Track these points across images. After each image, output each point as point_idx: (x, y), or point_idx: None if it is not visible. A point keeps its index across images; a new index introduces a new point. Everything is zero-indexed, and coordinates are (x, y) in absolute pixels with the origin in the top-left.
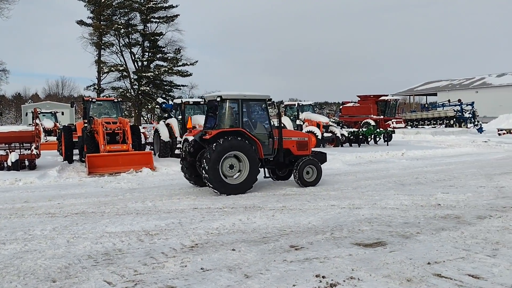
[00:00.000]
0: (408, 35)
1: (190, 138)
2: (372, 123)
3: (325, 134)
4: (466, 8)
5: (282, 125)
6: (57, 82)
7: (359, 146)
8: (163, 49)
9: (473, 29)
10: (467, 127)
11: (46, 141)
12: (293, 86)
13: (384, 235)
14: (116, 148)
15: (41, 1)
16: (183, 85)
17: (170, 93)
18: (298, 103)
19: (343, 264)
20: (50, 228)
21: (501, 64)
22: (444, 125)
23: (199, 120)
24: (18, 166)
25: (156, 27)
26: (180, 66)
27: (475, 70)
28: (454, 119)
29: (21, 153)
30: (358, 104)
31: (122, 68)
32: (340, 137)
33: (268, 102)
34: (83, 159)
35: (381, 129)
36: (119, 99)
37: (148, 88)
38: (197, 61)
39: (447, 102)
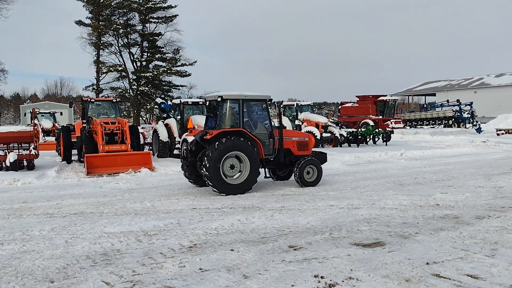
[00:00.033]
0: (407, 35)
1: (190, 138)
2: (371, 123)
3: (324, 134)
4: (465, 8)
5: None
6: (56, 82)
7: (358, 146)
8: (162, 49)
9: (472, 30)
10: (465, 127)
11: (44, 142)
12: (292, 86)
13: (382, 235)
14: (114, 148)
15: (40, 1)
16: (182, 85)
17: (169, 93)
18: (297, 103)
19: (342, 264)
20: (48, 229)
21: (500, 65)
22: (442, 125)
23: (198, 120)
24: (16, 166)
25: (155, 27)
26: (179, 66)
27: (473, 70)
28: (453, 119)
29: (20, 153)
30: (357, 104)
31: (121, 68)
32: (339, 137)
33: (269, 102)
34: (82, 159)
35: (380, 129)
36: (117, 99)
37: (147, 88)
38: (196, 61)
39: (446, 102)
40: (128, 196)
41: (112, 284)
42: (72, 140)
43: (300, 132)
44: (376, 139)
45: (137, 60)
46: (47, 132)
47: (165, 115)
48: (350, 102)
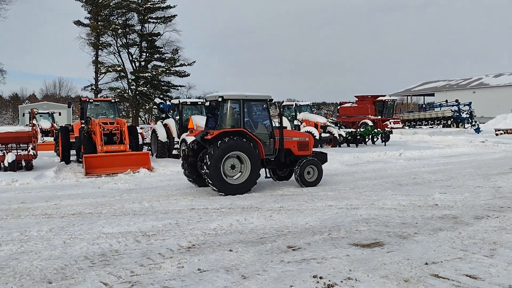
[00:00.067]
0: (406, 36)
1: (189, 138)
2: (370, 123)
3: (323, 135)
4: (463, 8)
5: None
6: (55, 83)
7: (356, 147)
8: (161, 49)
9: (471, 30)
10: (464, 127)
11: (43, 142)
12: (291, 86)
13: (381, 236)
14: (113, 148)
15: (38, 1)
16: (180, 86)
17: (167, 94)
18: (296, 104)
19: (341, 264)
20: (46, 229)
21: (498, 65)
22: (441, 125)
23: (197, 121)
24: (15, 166)
25: (154, 28)
26: (177, 66)
27: (472, 71)
28: (452, 120)
29: (18, 153)
30: (356, 105)
31: (119, 68)
32: (338, 138)
33: (269, 102)
34: (80, 159)
35: (378, 129)
36: (116, 100)
37: (145, 88)
38: (194, 62)
39: (445, 102)
40: (126, 197)
41: (110, 284)
42: (70, 141)
43: (300, 132)
44: (375, 139)
45: (135, 60)
46: (45, 133)
47: (163, 115)
48: (349, 102)
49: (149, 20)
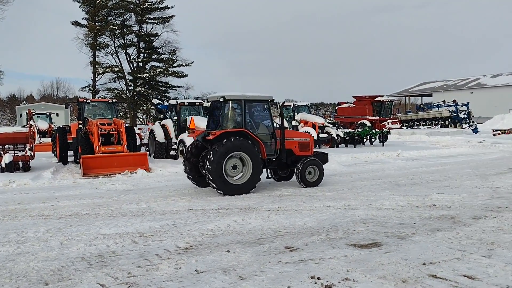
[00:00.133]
0: (404, 36)
1: (187, 138)
2: (368, 123)
3: (321, 135)
4: (461, 9)
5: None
6: (52, 83)
7: (354, 147)
8: (159, 50)
9: (469, 30)
10: (462, 128)
11: (40, 143)
12: (289, 87)
13: (379, 236)
14: (111, 149)
15: (36, 2)
16: (178, 86)
17: (165, 94)
18: (293, 104)
19: (338, 265)
20: (43, 230)
21: (496, 65)
22: (439, 126)
23: (196, 122)
24: (12, 167)
25: (152, 28)
26: (175, 67)
27: (470, 71)
28: (449, 120)
29: (15, 154)
30: (354, 105)
31: (117, 69)
32: (336, 138)
33: (270, 103)
34: (78, 160)
35: (376, 129)
36: (114, 100)
37: (143, 89)
38: (192, 62)
39: (442, 102)
40: (124, 197)
41: (107, 286)
42: (68, 141)
43: (302, 132)
44: (373, 139)
45: (133, 61)
46: (43, 133)
47: (161, 116)
48: (347, 103)
49: (147, 20)
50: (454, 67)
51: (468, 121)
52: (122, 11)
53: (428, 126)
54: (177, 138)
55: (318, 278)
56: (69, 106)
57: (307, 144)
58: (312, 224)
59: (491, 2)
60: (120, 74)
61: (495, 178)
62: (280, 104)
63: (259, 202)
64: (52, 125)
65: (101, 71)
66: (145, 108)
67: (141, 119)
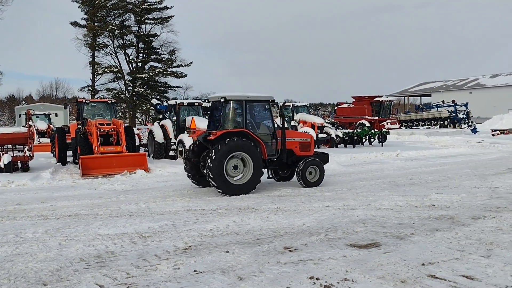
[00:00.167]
0: (403, 36)
1: (186, 139)
2: (367, 124)
3: (320, 135)
4: (460, 9)
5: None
6: (51, 84)
7: (353, 147)
8: (158, 50)
9: (467, 30)
10: (461, 128)
11: (39, 143)
12: (289, 87)
13: (378, 236)
14: (109, 149)
15: (35, 2)
16: (178, 87)
17: (164, 95)
18: (293, 104)
19: (337, 265)
20: (42, 231)
21: (495, 65)
22: (438, 126)
23: (195, 122)
24: (10, 168)
25: (151, 28)
26: (174, 67)
27: (469, 71)
28: (448, 120)
29: (14, 155)
30: (353, 105)
31: (116, 69)
32: (335, 138)
33: (271, 103)
34: (77, 160)
35: (375, 130)
36: (113, 101)
37: (142, 89)
38: (191, 62)
39: (441, 103)
40: (123, 198)
41: (106, 286)
42: (67, 142)
43: (302, 132)
44: (372, 139)
45: (132, 61)
46: (42, 134)
47: (160, 116)
48: (346, 103)
49: (146, 21)
50: (453, 67)
51: (467, 121)
52: (121, 12)
53: (427, 126)
54: (176, 139)
55: (317, 279)
56: (68, 107)
57: (307, 144)
58: (311, 225)
59: (491, 2)
60: (119, 75)
61: (494, 178)
62: (281, 105)
63: (258, 202)
64: (51, 126)
65: (100, 72)
66: (144, 108)
67: (140, 120)
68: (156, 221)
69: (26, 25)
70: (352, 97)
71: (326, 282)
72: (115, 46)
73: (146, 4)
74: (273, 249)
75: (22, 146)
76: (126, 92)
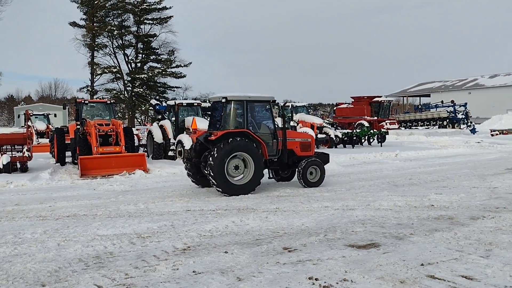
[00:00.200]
0: (402, 37)
1: (185, 139)
2: (366, 124)
3: (319, 135)
4: (459, 9)
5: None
6: (50, 84)
7: (353, 147)
8: (157, 50)
9: (466, 31)
10: (460, 128)
11: (38, 143)
12: (288, 87)
13: (377, 237)
14: (109, 150)
15: (34, 2)
16: (177, 87)
17: (163, 95)
18: (292, 104)
19: (336, 266)
20: (40, 231)
21: (494, 66)
22: (437, 126)
23: (192, 122)
24: (9, 168)
25: (150, 29)
26: (173, 67)
27: (468, 71)
28: (447, 120)
29: (13, 155)
30: (352, 106)
31: (115, 69)
32: (334, 138)
33: (272, 103)
34: (76, 161)
35: (374, 130)
36: (112, 101)
37: (141, 89)
38: (191, 63)
39: (440, 103)
40: (122, 198)
41: (105, 287)
42: (66, 142)
43: (303, 133)
44: (371, 140)
45: (131, 61)
46: (41, 134)
47: (159, 116)
48: (345, 103)
49: (145, 21)
50: (452, 68)
51: (466, 121)
52: (120, 12)
53: (426, 127)
54: (175, 139)
55: (316, 279)
56: (67, 107)
57: (308, 145)
58: (310, 225)
59: (490, 2)
60: (118, 75)
61: (493, 179)
62: (282, 105)
63: (257, 202)
64: (50, 126)
65: (99, 72)
66: (143, 108)
67: (139, 120)
68: (155, 222)
69: (25, 25)
70: (351, 97)
71: (325, 282)
72: (114, 46)
73: (145, 4)
74: (272, 249)
75: (21, 147)
76: (125, 92)
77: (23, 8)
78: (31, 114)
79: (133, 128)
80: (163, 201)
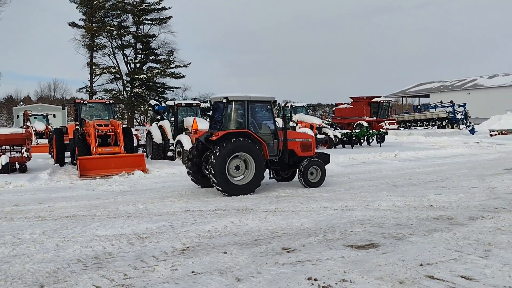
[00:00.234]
0: (401, 37)
1: (184, 140)
2: (365, 124)
3: (318, 136)
4: (459, 9)
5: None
6: (49, 84)
7: (352, 148)
8: (156, 51)
9: (466, 31)
10: (459, 128)
11: (37, 144)
12: (288, 87)
13: (376, 237)
14: (108, 150)
15: (33, 2)
16: (176, 87)
17: (163, 95)
18: (291, 105)
19: (335, 266)
20: (39, 232)
21: (493, 66)
22: (436, 126)
23: (191, 122)
24: (8, 169)
25: (149, 29)
26: (173, 68)
27: (467, 72)
28: (447, 120)
29: (12, 155)
30: (351, 106)
31: (114, 70)
32: (333, 139)
33: (273, 104)
34: (75, 161)
35: (374, 130)
36: (111, 101)
37: (140, 90)
38: (190, 63)
39: (440, 103)
40: (121, 199)
41: None
42: (65, 143)
43: (303, 133)
44: (370, 140)
45: (131, 62)
46: (40, 135)
47: (159, 117)
48: (344, 104)
49: (144, 21)
50: (452, 68)
51: (465, 121)
52: (119, 12)
53: (425, 127)
54: (174, 139)
55: (315, 279)
56: (66, 107)
57: (309, 145)
58: (309, 225)
59: (490, 2)
60: (118, 75)
61: (492, 179)
62: (283, 105)
63: (256, 203)
64: (49, 126)
65: (98, 72)
66: (142, 109)
67: (138, 120)
68: (154, 222)
69: (24, 25)
70: (350, 97)
71: (324, 283)
72: (113, 46)
73: (144, 4)
74: (271, 250)
75: (20, 147)
76: (124, 92)
77: (23, 8)
78: (30, 114)
79: (132, 129)
80: (162, 201)
